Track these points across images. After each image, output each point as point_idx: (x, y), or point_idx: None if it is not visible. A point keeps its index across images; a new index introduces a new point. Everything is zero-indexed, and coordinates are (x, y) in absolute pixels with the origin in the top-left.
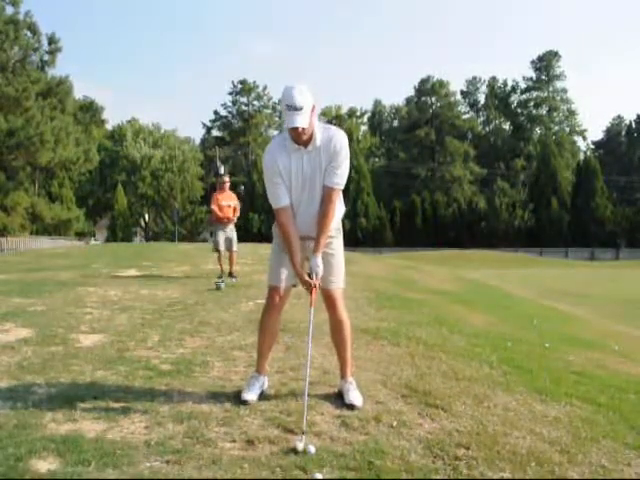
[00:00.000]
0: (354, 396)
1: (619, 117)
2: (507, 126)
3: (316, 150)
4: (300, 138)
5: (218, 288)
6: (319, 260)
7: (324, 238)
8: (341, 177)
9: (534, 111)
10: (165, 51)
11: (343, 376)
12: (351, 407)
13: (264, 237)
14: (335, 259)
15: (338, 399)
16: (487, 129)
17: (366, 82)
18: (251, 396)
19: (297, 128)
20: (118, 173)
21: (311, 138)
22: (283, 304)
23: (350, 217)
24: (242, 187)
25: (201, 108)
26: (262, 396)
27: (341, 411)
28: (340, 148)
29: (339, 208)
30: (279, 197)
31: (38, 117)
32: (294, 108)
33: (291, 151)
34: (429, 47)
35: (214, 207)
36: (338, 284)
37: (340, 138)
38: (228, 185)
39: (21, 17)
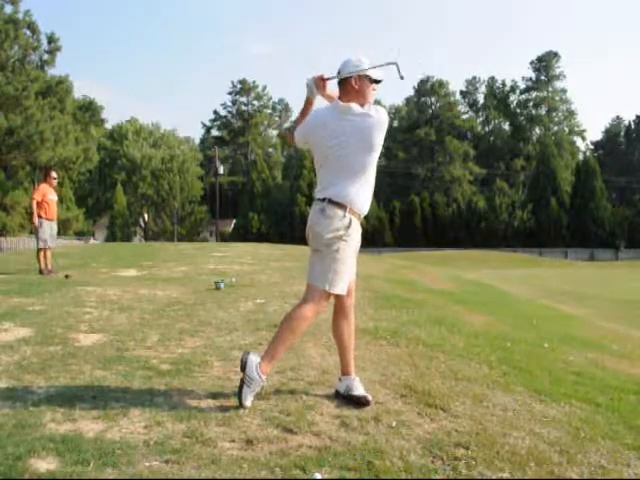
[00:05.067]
0: (364, 391)
1: (618, 118)
2: (507, 126)
3: None
4: (372, 96)
5: (218, 288)
6: None
7: None
8: None
9: (533, 111)
10: (165, 51)
11: (350, 372)
12: (365, 399)
13: (263, 237)
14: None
15: (337, 399)
16: (487, 129)
17: None
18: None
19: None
20: (117, 173)
21: None
22: None
23: None
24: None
25: (201, 108)
26: (261, 396)
27: (340, 411)
28: None
29: None
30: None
31: (38, 116)
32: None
33: None
34: (429, 47)
35: (43, 200)
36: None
37: None
38: (55, 181)
39: (20, 16)
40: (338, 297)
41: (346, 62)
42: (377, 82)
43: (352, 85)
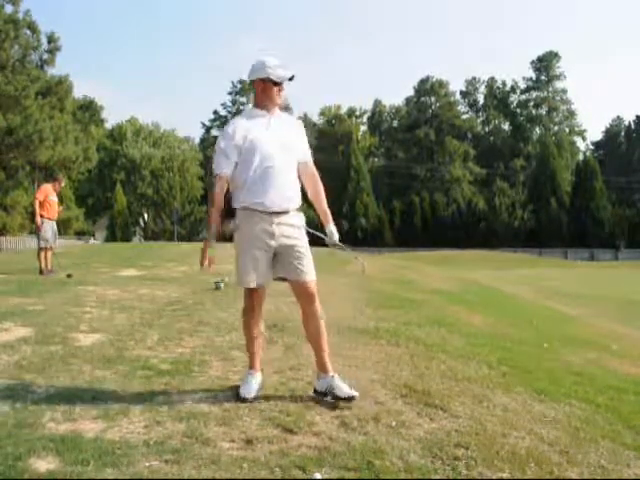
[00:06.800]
0: (347, 388)
1: (618, 118)
2: (506, 126)
3: (281, 118)
4: (279, 97)
5: (217, 288)
6: (333, 226)
7: (326, 207)
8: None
9: (534, 111)
10: (165, 50)
11: (327, 371)
12: (351, 399)
13: None
14: (307, 250)
15: (325, 397)
16: (486, 129)
17: (366, 82)
18: (251, 394)
19: (290, 79)
20: (117, 172)
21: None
22: (263, 301)
23: (349, 217)
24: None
25: (201, 108)
26: (261, 396)
27: (340, 411)
28: (302, 126)
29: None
30: (228, 165)
31: (37, 115)
32: (283, 66)
33: (260, 117)
34: (429, 47)
35: (45, 200)
36: (313, 276)
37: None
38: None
39: (20, 16)
40: (298, 298)
41: (252, 66)
42: (284, 81)
43: (256, 88)
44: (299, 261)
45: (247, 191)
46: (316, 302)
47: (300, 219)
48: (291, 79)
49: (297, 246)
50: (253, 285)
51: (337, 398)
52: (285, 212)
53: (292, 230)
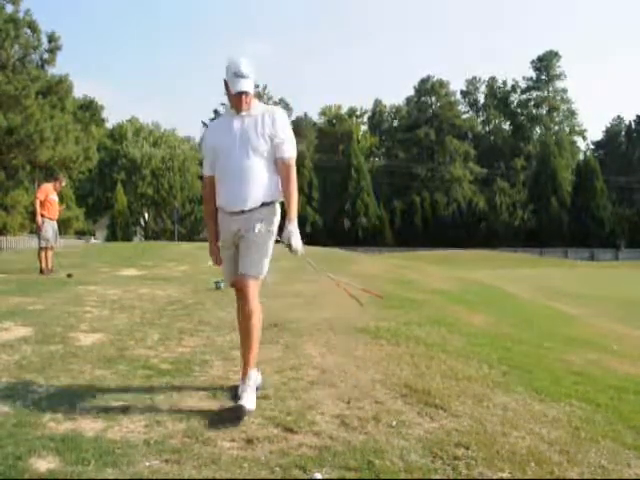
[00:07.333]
0: (250, 399)
1: (619, 117)
2: (507, 126)
3: (254, 115)
4: (242, 104)
5: (218, 288)
6: (293, 227)
7: (294, 205)
8: (291, 148)
9: (534, 111)
10: (166, 50)
11: (243, 375)
12: (239, 410)
13: None
14: (262, 245)
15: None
16: (487, 129)
17: (366, 82)
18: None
19: (243, 92)
20: (118, 172)
21: (249, 106)
22: None
23: (350, 216)
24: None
25: (201, 107)
26: (261, 395)
27: (341, 410)
28: (281, 119)
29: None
30: (209, 166)
31: (37, 115)
32: (241, 75)
33: (229, 118)
34: (429, 47)
35: (46, 199)
36: (253, 272)
37: (279, 111)
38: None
39: (21, 15)
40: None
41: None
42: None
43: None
44: (245, 254)
45: (218, 192)
46: (250, 302)
47: (266, 215)
48: (245, 94)
49: (249, 239)
50: (228, 283)
51: (235, 406)
52: (249, 211)
53: (252, 224)
